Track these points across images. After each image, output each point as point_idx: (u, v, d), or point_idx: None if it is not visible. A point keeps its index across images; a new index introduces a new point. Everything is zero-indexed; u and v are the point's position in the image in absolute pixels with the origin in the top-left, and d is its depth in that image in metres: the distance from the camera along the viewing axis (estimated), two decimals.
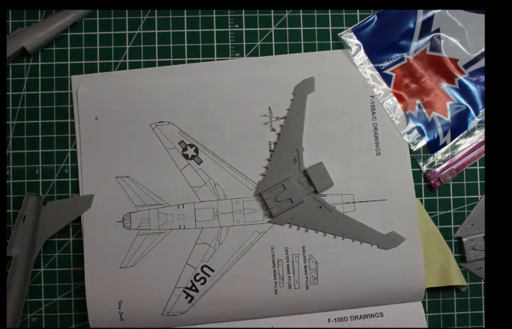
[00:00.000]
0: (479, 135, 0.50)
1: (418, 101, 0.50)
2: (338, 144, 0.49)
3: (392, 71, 0.50)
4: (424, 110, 0.50)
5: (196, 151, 0.48)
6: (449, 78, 0.50)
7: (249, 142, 0.48)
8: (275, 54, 0.50)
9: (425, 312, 0.49)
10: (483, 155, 0.50)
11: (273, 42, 0.50)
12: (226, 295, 0.47)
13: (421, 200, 0.49)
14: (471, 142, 0.50)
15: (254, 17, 0.50)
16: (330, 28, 0.50)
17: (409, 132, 0.49)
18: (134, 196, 0.48)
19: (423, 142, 0.49)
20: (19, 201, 0.47)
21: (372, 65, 0.50)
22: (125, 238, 0.47)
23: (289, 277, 0.48)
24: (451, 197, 0.50)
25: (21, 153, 0.49)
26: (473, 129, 0.50)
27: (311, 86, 0.49)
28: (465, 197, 0.50)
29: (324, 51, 0.50)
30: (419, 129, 0.49)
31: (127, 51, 0.49)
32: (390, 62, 0.50)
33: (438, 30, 0.50)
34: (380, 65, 0.50)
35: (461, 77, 0.50)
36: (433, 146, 0.50)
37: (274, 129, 0.49)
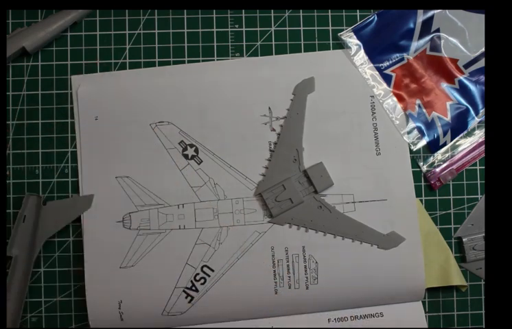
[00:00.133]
0: (479, 135, 0.50)
1: (418, 101, 0.50)
2: (338, 144, 0.49)
3: (392, 71, 0.50)
4: (424, 110, 0.50)
5: (196, 151, 0.48)
6: (449, 78, 0.50)
7: (249, 142, 0.48)
8: (275, 54, 0.50)
9: (425, 312, 0.49)
10: (483, 155, 0.50)
11: (273, 42, 0.50)
12: (226, 295, 0.47)
13: (421, 200, 0.49)
14: (471, 142, 0.50)
15: (254, 17, 0.50)
16: (330, 28, 0.50)
17: (409, 132, 0.49)
18: (134, 196, 0.48)
19: (423, 142, 0.49)
20: (19, 201, 0.47)
21: (372, 65, 0.50)
22: (125, 238, 0.47)
23: (289, 277, 0.48)
24: (451, 197, 0.50)
25: (21, 153, 0.49)
26: (473, 129, 0.50)
27: (311, 86, 0.49)
28: (465, 197, 0.50)
29: (324, 51, 0.50)
30: (419, 129, 0.49)
31: (127, 51, 0.49)
32: (390, 62, 0.50)
33: (438, 30, 0.50)
34: (380, 65, 0.50)
35: (461, 77, 0.50)
36: (433, 146, 0.50)
37: (274, 129, 0.49)
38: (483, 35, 0.49)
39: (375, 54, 0.50)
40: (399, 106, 0.50)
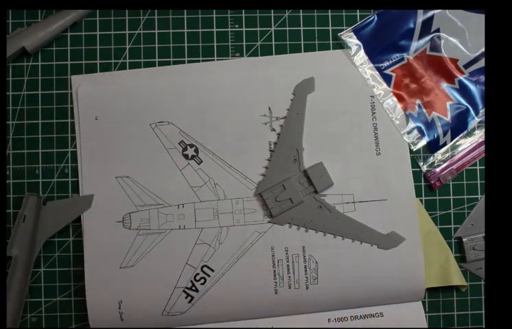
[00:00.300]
0: (479, 135, 0.50)
1: (418, 101, 0.50)
2: (338, 144, 0.49)
3: (392, 71, 0.50)
4: (424, 110, 0.50)
5: (196, 151, 0.48)
6: (449, 78, 0.50)
7: (249, 142, 0.48)
8: (275, 54, 0.50)
9: (425, 312, 0.49)
10: (483, 155, 0.50)
11: (273, 42, 0.50)
12: (226, 295, 0.47)
13: (421, 200, 0.49)
14: (471, 142, 0.50)
15: (254, 17, 0.50)
16: (330, 28, 0.50)
17: (409, 132, 0.49)
18: (134, 196, 0.48)
19: (423, 142, 0.49)
20: (19, 201, 0.47)
21: (372, 65, 0.50)
22: (125, 238, 0.47)
23: (289, 277, 0.48)
24: (451, 197, 0.50)
25: (21, 153, 0.49)
26: (473, 129, 0.50)
27: (311, 86, 0.49)
28: (465, 197, 0.50)
29: (324, 51, 0.50)
30: (419, 129, 0.49)
31: (127, 51, 0.49)
32: (390, 62, 0.50)
33: (438, 30, 0.50)
34: (380, 65, 0.50)
35: (461, 77, 0.50)
36: (433, 146, 0.50)
37: (274, 129, 0.49)
38: (483, 35, 0.49)
39: (375, 54, 0.50)
40: (399, 106, 0.50)
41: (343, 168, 0.48)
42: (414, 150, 0.49)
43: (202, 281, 0.47)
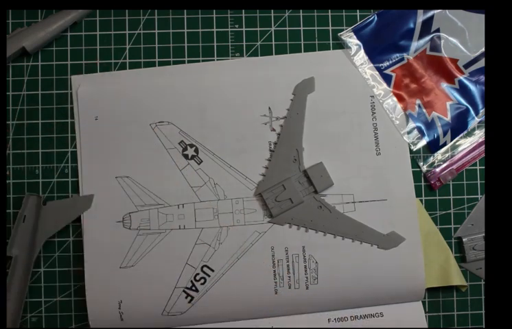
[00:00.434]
0: (479, 135, 0.50)
1: (418, 101, 0.50)
2: (338, 144, 0.49)
3: (392, 71, 0.50)
4: (424, 110, 0.50)
5: (196, 151, 0.48)
6: (449, 78, 0.50)
7: (249, 142, 0.48)
8: (275, 54, 0.50)
9: (425, 312, 0.49)
10: (483, 155, 0.50)
11: (273, 42, 0.50)
12: (226, 295, 0.47)
13: (421, 200, 0.49)
14: (471, 142, 0.50)
15: (254, 17, 0.50)
16: (330, 28, 0.50)
17: (409, 132, 0.49)
18: (134, 196, 0.48)
19: (423, 142, 0.49)
20: (19, 201, 0.47)
21: (372, 65, 0.50)
22: (125, 238, 0.47)
23: (289, 277, 0.48)
24: (451, 197, 0.50)
25: (21, 153, 0.49)
26: (473, 129, 0.50)
27: (311, 86, 0.49)
28: (465, 197, 0.50)
29: (324, 51, 0.50)
30: (419, 129, 0.49)
31: (127, 51, 0.49)
32: (390, 62, 0.50)
33: (438, 30, 0.50)
34: (380, 65, 0.50)
35: (461, 77, 0.50)
36: (433, 146, 0.50)
37: (274, 129, 0.49)
38: (483, 35, 0.49)
39: (375, 54, 0.50)
40: (399, 106, 0.50)
41: (343, 168, 0.48)
42: (414, 150, 0.49)
43: (202, 281, 0.47)
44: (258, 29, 0.50)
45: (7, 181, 0.48)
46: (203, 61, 0.50)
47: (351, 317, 0.48)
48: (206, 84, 0.49)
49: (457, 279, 0.48)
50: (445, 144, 0.50)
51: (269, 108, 0.49)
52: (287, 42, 0.50)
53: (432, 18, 0.49)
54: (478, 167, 0.50)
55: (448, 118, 0.50)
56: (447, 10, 0.49)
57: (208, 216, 0.48)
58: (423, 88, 0.50)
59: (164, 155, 0.48)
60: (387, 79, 0.50)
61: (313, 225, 0.48)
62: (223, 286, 0.47)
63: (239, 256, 0.47)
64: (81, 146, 0.48)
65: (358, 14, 0.50)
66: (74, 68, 0.49)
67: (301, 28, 0.50)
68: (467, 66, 0.50)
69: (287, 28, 0.50)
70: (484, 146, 0.49)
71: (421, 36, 0.50)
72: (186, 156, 0.48)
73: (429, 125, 0.50)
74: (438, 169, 0.50)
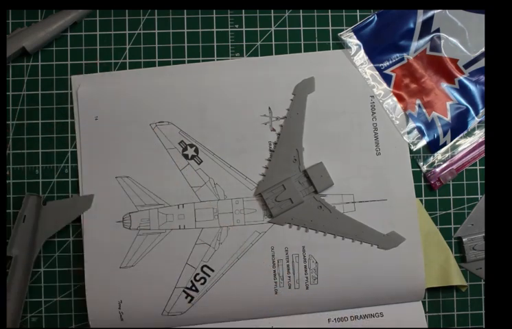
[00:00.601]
0: (479, 135, 0.50)
1: (418, 101, 0.50)
2: (338, 144, 0.49)
3: (392, 71, 0.50)
4: (424, 110, 0.50)
5: (196, 151, 0.48)
6: (449, 78, 0.50)
7: (249, 142, 0.48)
8: (275, 54, 0.50)
9: (425, 312, 0.49)
10: (483, 155, 0.50)
11: (273, 42, 0.50)
12: (226, 295, 0.47)
13: (421, 200, 0.49)
14: (471, 142, 0.50)
15: (254, 17, 0.50)
16: (330, 28, 0.50)
17: (409, 132, 0.49)
18: (134, 196, 0.48)
19: (423, 142, 0.49)
20: (19, 201, 0.47)
21: (372, 65, 0.50)
22: (125, 238, 0.47)
23: (289, 277, 0.48)
24: (451, 197, 0.50)
25: (21, 153, 0.49)
26: (473, 129, 0.50)
27: (311, 86, 0.49)
28: (465, 197, 0.50)
29: (324, 51, 0.50)
30: (419, 129, 0.49)
31: (127, 51, 0.49)
32: (390, 62, 0.50)
33: (438, 30, 0.50)
34: (380, 65, 0.50)
35: (461, 77, 0.50)
36: (433, 146, 0.50)
37: (274, 129, 0.49)
38: (483, 35, 0.49)
39: (375, 54, 0.50)
40: (399, 106, 0.50)
41: (343, 168, 0.48)
42: (414, 150, 0.49)
43: (202, 281, 0.47)
44: (258, 29, 0.50)
45: (7, 181, 0.48)
46: (203, 61, 0.50)
47: (351, 317, 0.48)
48: (206, 84, 0.49)
49: (457, 279, 0.48)
50: (445, 144, 0.50)
51: (269, 108, 0.49)
52: (287, 42, 0.50)
53: (432, 18, 0.49)
54: (478, 167, 0.50)
55: (448, 118, 0.50)
56: (447, 10, 0.49)
57: (208, 216, 0.48)
58: (423, 88, 0.50)
59: (164, 155, 0.48)
60: (387, 79, 0.50)
61: (313, 225, 0.48)
62: (223, 286, 0.47)
63: (239, 256, 0.47)
64: (81, 146, 0.48)
65: (358, 14, 0.50)
66: (74, 68, 0.49)
67: (301, 28, 0.50)
68: (467, 66, 0.50)
69: (287, 28, 0.50)
70: (484, 146, 0.49)
71: (421, 36, 0.50)
72: (186, 156, 0.48)
73: (429, 125, 0.50)
74: (438, 169, 0.50)
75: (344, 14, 0.50)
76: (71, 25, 0.49)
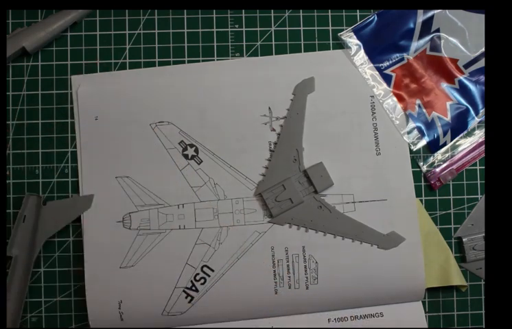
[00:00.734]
0: (479, 135, 0.50)
1: (418, 101, 0.50)
2: (338, 144, 0.49)
3: (392, 71, 0.50)
4: (424, 110, 0.50)
5: (196, 151, 0.48)
6: (449, 78, 0.50)
7: (249, 142, 0.48)
8: (275, 54, 0.50)
9: (425, 312, 0.49)
10: (483, 155, 0.50)
11: (273, 42, 0.50)
12: (226, 295, 0.47)
13: (421, 200, 0.49)
14: (471, 142, 0.50)
15: (254, 17, 0.50)
16: (330, 28, 0.50)
17: (409, 132, 0.49)
18: (134, 196, 0.48)
19: (423, 142, 0.49)
20: (19, 201, 0.47)
21: (372, 65, 0.50)
22: (125, 238, 0.47)
23: (289, 277, 0.48)
24: (451, 197, 0.50)
25: (21, 153, 0.49)
26: (473, 129, 0.50)
27: (311, 86, 0.49)
28: (465, 197, 0.50)
29: (324, 51, 0.50)
30: (419, 129, 0.49)
31: (127, 51, 0.49)
32: (390, 62, 0.50)
33: (438, 30, 0.50)
34: (380, 65, 0.50)
35: (461, 77, 0.50)
36: (433, 146, 0.50)
37: (274, 129, 0.49)
38: (483, 35, 0.49)
39: (375, 54, 0.50)
40: (399, 106, 0.50)
41: (343, 168, 0.48)
42: (414, 150, 0.49)
43: (202, 281, 0.47)
44: (258, 29, 0.50)
45: (7, 181, 0.48)
46: (203, 61, 0.50)
47: (351, 317, 0.48)
48: (206, 84, 0.49)
49: (457, 279, 0.48)
50: (445, 144, 0.50)
51: (269, 108, 0.49)
52: (287, 42, 0.50)
53: (432, 18, 0.49)
54: (478, 167, 0.50)
55: (448, 118, 0.50)
56: (447, 10, 0.49)
57: (208, 216, 0.48)
58: (423, 88, 0.50)
59: (164, 155, 0.48)
60: (387, 79, 0.50)
61: (313, 225, 0.48)
62: (223, 286, 0.47)
63: (239, 256, 0.47)
64: (81, 146, 0.48)
65: (358, 14, 0.50)
66: (74, 68, 0.49)
67: (301, 28, 0.50)
68: (467, 66, 0.50)
69: (287, 28, 0.50)
70: (484, 146, 0.49)
71: (421, 36, 0.50)
72: (186, 156, 0.48)
73: (429, 125, 0.50)
74: (438, 169, 0.50)
75: (344, 14, 0.50)
76: (71, 25, 0.49)
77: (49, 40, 0.48)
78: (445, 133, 0.50)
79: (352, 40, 0.50)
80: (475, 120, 0.50)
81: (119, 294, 0.47)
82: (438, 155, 0.50)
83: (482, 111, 0.50)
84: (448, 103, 0.50)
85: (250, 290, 0.47)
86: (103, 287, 0.47)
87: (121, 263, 0.47)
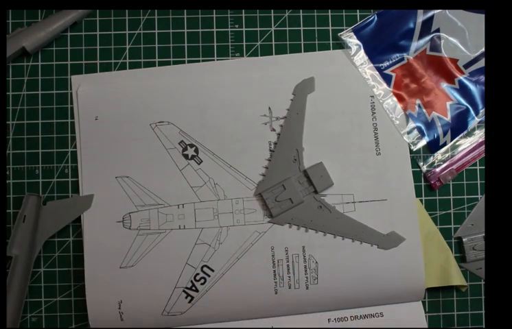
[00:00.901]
0: (479, 135, 0.50)
1: (418, 101, 0.50)
2: (338, 144, 0.49)
3: (392, 71, 0.50)
4: (424, 110, 0.50)
5: (196, 151, 0.48)
6: (449, 78, 0.50)
7: (249, 142, 0.48)
8: (275, 54, 0.50)
9: (425, 312, 0.49)
10: (483, 155, 0.50)
11: (273, 42, 0.50)
12: (226, 295, 0.47)
13: (421, 200, 0.49)
14: (471, 142, 0.50)
15: (254, 17, 0.50)
16: (330, 28, 0.50)
17: (409, 132, 0.49)
18: (134, 196, 0.48)
19: (423, 142, 0.49)
20: (19, 201, 0.47)
21: (372, 65, 0.50)
22: (125, 238, 0.47)
23: (289, 277, 0.48)
24: (451, 197, 0.50)
25: (21, 153, 0.49)
26: (473, 129, 0.50)
27: (311, 86, 0.49)
28: (465, 197, 0.50)
29: (324, 51, 0.50)
30: (419, 129, 0.49)
31: (127, 51, 0.49)
32: (390, 62, 0.50)
33: (438, 30, 0.50)
34: (380, 65, 0.50)
35: (461, 77, 0.50)
36: (433, 146, 0.50)
37: (274, 129, 0.49)
38: (483, 35, 0.49)
39: (375, 54, 0.50)
40: (399, 106, 0.50)
41: (343, 168, 0.48)
42: (414, 150, 0.49)
43: (202, 281, 0.47)
44: (258, 29, 0.50)
45: (7, 181, 0.48)
46: (203, 61, 0.50)
47: (351, 317, 0.48)
48: (206, 84, 0.49)
49: (457, 279, 0.48)
50: (445, 144, 0.50)
51: (269, 108, 0.49)
52: (287, 42, 0.50)
53: (432, 18, 0.49)
54: (478, 167, 0.50)
55: (448, 118, 0.50)
56: (447, 10, 0.49)
57: (208, 216, 0.48)
58: (423, 88, 0.50)
59: (164, 155, 0.48)
60: (387, 79, 0.50)
61: (313, 225, 0.48)
62: (223, 286, 0.47)
63: (239, 256, 0.47)
64: (81, 146, 0.48)
65: (358, 14, 0.50)
66: (74, 68, 0.49)
67: (301, 28, 0.50)
68: (467, 66, 0.50)
69: (287, 28, 0.50)
70: (484, 146, 0.49)
71: (421, 36, 0.50)
72: (186, 156, 0.48)
73: (429, 125, 0.50)
74: (438, 169, 0.50)
75: (344, 14, 0.50)
76: (71, 25, 0.49)
77: (49, 40, 0.48)
78: (445, 134, 0.50)
79: (352, 40, 0.50)
80: (475, 120, 0.50)
81: (119, 294, 0.47)
82: (438, 155, 0.50)
83: (482, 111, 0.50)
84: (448, 103, 0.50)
85: (250, 290, 0.47)
86: (103, 287, 0.47)
87: (121, 263, 0.47)
